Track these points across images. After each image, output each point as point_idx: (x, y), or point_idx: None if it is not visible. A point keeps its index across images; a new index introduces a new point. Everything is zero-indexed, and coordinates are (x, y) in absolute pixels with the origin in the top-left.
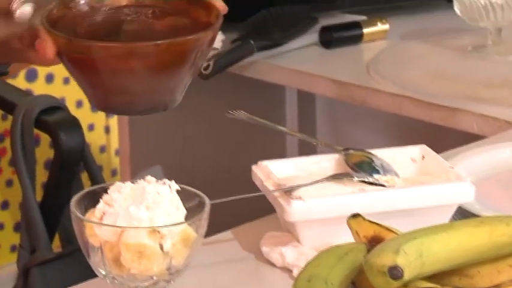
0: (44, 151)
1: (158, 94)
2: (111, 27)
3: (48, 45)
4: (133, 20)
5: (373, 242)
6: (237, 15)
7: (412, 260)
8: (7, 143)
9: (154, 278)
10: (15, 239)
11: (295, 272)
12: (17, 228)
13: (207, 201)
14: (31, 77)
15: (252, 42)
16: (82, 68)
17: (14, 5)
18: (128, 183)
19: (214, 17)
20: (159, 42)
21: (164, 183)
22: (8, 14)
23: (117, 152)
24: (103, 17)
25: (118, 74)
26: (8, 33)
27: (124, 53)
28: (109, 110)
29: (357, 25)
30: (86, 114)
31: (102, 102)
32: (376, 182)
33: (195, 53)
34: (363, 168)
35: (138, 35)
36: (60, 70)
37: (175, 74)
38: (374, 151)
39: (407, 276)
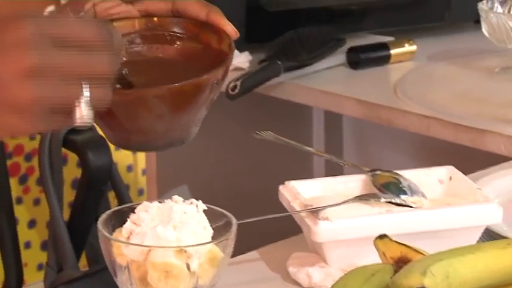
0: (72, 170)
1: (174, 131)
2: (127, 56)
3: None
4: (146, 49)
5: (400, 263)
6: (264, 36)
7: (439, 281)
8: (35, 162)
9: None
10: (43, 257)
11: None
12: (44, 246)
13: (234, 221)
14: None
15: (279, 62)
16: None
17: (77, 109)
18: (155, 203)
19: (227, 46)
20: (171, 86)
21: (191, 203)
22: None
23: (143, 172)
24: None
25: (132, 116)
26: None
27: (137, 98)
28: (127, 148)
29: (385, 46)
30: None
31: (120, 141)
32: (403, 203)
33: (208, 89)
34: (390, 189)
35: (151, 68)
36: None
37: (190, 111)
38: (401, 172)
39: None
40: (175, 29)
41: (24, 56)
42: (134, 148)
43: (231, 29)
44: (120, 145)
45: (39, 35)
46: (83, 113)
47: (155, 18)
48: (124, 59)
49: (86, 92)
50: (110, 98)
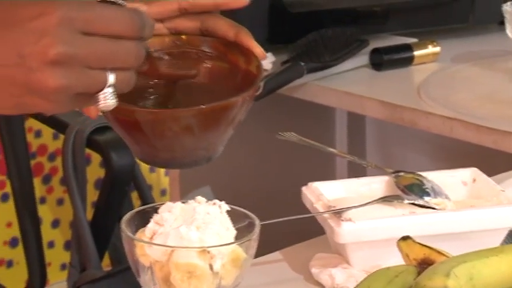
0: (95, 170)
1: (201, 150)
2: (154, 76)
3: (92, 108)
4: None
5: (423, 264)
6: (287, 37)
7: (462, 283)
8: (58, 162)
9: None
10: (66, 257)
11: None
12: (67, 246)
13: (257, 222)
14: None
15: (302, 64)
16: (126, 127)
17: (101, 96)
18: (178, 203)
19: (255, 68)
20: (202, 107)
21: (214, 204)
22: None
23: (166, 172)
24: (146, 66)
25: (161, 134)
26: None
27: (167, 118)
28: (153, 164)
29: (408, 47)
30: None
31: (146, 157)
32: (427, 205)
33: (237, 110)
34: (413, 190)
35: (178, 86)
36: None
37: (218, 130)
38: (424, 173)
39: None
40: (203, 48)
41: (53, 44)
42: (160, 164)
43: (259, 51)
44: (146, 161)
45: (68, 21)
46: (107, 99)
47: (183, 36)
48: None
49: (111, 79)
50: (134, 83)
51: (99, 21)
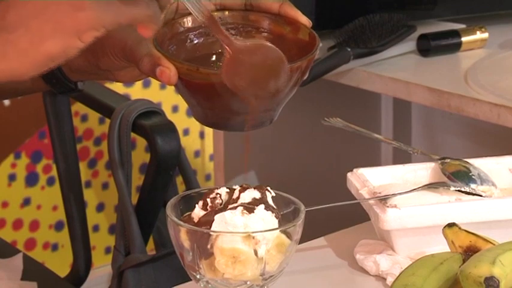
0: (140, 155)
1: (270, 111)
2: (208, 49)
3: (172, 73)
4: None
5: (469, 252)
6: (334, 23)
7: (508, 271)
8: (104, 146)
9: (248, 283)
10: (110, 240)
11: (389, 281)
12: (111, 230)
13: (302, 207)
14: None
15: (348, 49)
16: (200, 92)
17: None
18: (224, 189)
19: (306, 35)
20: (293, 64)
21: (260, 189)
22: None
23: (211, 157)
24: (199, 38)
25: (235, 98)
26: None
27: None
28: (223, 128)
29: (456, 33)
30: (181, 119)
31: (213, 120)
32: (473, 192)
33: (304, 71)
34: (459, 177)
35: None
36: None
37: (284, 92)
38: (471, 160)
39: (503, 287)
40: (248, 22)
41: None
42: (230, 128)
43: (305, 19)
44: (210, 123)
45: None
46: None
47: (226, 12)
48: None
49: None
50: None
51: None
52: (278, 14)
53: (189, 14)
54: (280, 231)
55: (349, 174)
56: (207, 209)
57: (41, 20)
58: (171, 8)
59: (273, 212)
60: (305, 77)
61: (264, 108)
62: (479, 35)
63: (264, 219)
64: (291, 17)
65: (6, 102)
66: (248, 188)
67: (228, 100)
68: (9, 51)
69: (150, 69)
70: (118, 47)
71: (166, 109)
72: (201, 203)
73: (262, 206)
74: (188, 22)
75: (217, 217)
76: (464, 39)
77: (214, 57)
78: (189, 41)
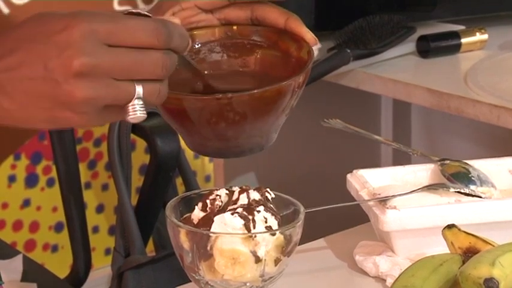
0: (139, 156)
1: (255, 137)
2: (207, 65)
3: None
4: (225, 58)
5: (469, 253)
6: (334, 24)
7: (508, 272)
8: (104, 147)
9: (248, 284)
10: (110, 242)
11: (389, 282)
12: (111, 231)
13: (302, 209)
14: None
15: (348, 51)
16: (177, 117)
17: (130, 108)
18: (223, 190)
19: (306, 53)
20: (253, 92)
21: (259, 190)
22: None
23: (211, 159)
24: (200, 54)
25: (213, 123)
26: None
27: (217, 104)
28: (205, 154)
29: (455, 35)
30: None
31: (198, 147)
32: (473, 193)
33: (289, 95)
34: (459, 179)
35: (231, 76)
36: None
37: (271, 117)
38: (470, 162)
39: None
40: (254, 37)
41: (76, 55)
42: (213, 154)
43: (310, 37)
44: (196, 150)
45: (91, 33)
46: (136, 111)
47: (234, 27)
48: (206, 71)
49: (139, 90)
50: (165, 95)
51: (123, 32)
52: (284, 29)
53: (192, 28)
54: (279, 232)
55: (348, 176)
56: (206, 210)
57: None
58: None
59: (272, 214)
60: (295, 101)
61: (246, 135)
62: (479, 37)
63: (264, 220)
64: (296, 33)
65: None
66: (248, 190)
67: (204, 126)
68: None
69: None
70: None
71: None
72: (200, 204)
73: (261, 208)
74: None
75: (216, 218)
76: (464, 40)
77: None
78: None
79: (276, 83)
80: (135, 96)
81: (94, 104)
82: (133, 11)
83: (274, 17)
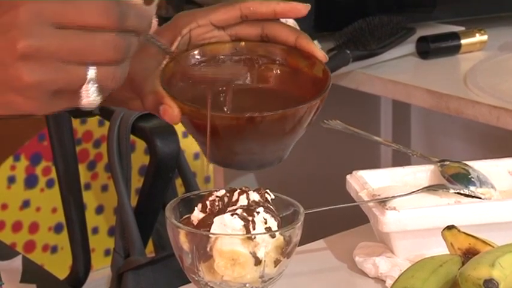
0: (139, 157)
1: (278, 151)
2: (219, 83)
3: (174, 113)
4: (239, 75)
5: (468, 254)
6: (333, 25)
7: (508, 273)
8: (103, 148)
9: (247, 285)
10: (110, 243)
11: (389, 283)
12: (111, 232)
13: (302, 210)
14: None
15: (347, 52)
16: (204, 132)
17: (83, 92)
18: (223, 191)
19: (321, 71)
20: (286, 110)
21: (259, 192)
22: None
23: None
24: (209, 72)
25: (243, 139)
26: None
27: (251, 122)
28: (225, 166)
29: (455, 36)
30: None
31: (219, 159)
32: (472, 194)
33: (313, 112)
34: (458, 180)
35: (243, 92)
36: None
37: (296, 133)
38: (470, 163)
39: None
40: (264, 53)
41: (20, 37)
42: (235, 166)
43: (321, 54)
44: (217, 161)
45: (37, 15)
46: (90, 96)
47: (242, 43)
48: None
49: (92, 74)
50: (121, 78)
51: (71, 13)
52: (294, 47)
53: (203, 44)
54: (279, 233)
55: (348, 177)
56: (206, 212)
57: None
58: (184, 39)
59: (272, 215)
60: (314, 118)
61: (271, 150)
62: (479, 38)
63: (263, 221)
64: (307, 50)
65: None
66: (247, 191)
67: (232, 141)
68: None
69: (154, 107)
70: (127, 80)
71: None
72: (200, 205)
73: (261, 209)
74: (199, 54)
75: (216, 219)
76: (463, 41)
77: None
78: (200, 73)
79: (297, 102)
80: (87, 80)
81: (43, 89)
82: None
83: (285, 35)
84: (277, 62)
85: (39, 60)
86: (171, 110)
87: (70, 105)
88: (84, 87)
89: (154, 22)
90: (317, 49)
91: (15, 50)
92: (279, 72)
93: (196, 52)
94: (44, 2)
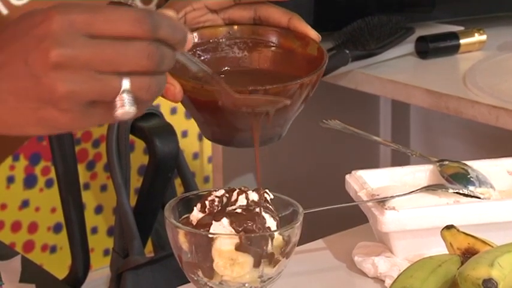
0: (138, 157)
1: (277, 128)
2: (216, 64)
3: (177, 91)
4: (230, 56)
5: (467, 254)
6: (332, 25)
7: (506, 273)
8: (103, 148)
9: (247, 285)
10: (109, 243)
11: (388, 283)
12: (110, 232)
13: (301, 210)
14: None
15: (347, 51)
16: (206, 109)
17: (118, 102)
18: (222, 191)
19: (315, 50)
20: (287, 83)
21: (258, 191)
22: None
23: (209, 159)
24: (207, 54)
25: (243, 115)
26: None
27: (254, 99)
28: (226, 144)
29: (454, 36)
30: (180, 121)
31: (220, 137)
32: (471, 194)
33: (310, 86)
34: (458, 179)
35: (241, 74)
36: None
37: (295, 108)
38: (469, 163)
39: None
40: (257, 36)
41: (52, 47)
42: (236, 145)
43: (314, 34)
44: (222, 142)
45: (69, 25)
46: (125, 107)
47: (235, 26)
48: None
49: (126, 84)
50: (155, 91)
51: (103, 23)
52: (287, 28)
53: (198, 28)
54: (278, 233)
55: (347, 177)
56: (205, 211)
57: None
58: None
59: (271, 214)
60: (311, 94)
61: (271, 125)
62: (478, 37)
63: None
64: (300, 31)
65: None
66: (246, 190)
67: (234, 117)
68: None
69: None
70: None
71: (165, 111)
72: (199, 205)
73: (260, 209)
74: (195, 38)
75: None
76: (462, 41)
77: (222, 74)
78: (196, 56)
79: (299, 77)
80: (121, 90)
81: (77, 99)
82: (115, 0)
83: (277, 16)
84: (272, 44)
85: (72, 70)
86: (173, 88)
87: (105, 118)
88: (118, 97)
89: (190, 37)
90: (310, 29)
91: (48, 60)
92: (274, 54)
93: (194, 35)
94: (76, 12)
